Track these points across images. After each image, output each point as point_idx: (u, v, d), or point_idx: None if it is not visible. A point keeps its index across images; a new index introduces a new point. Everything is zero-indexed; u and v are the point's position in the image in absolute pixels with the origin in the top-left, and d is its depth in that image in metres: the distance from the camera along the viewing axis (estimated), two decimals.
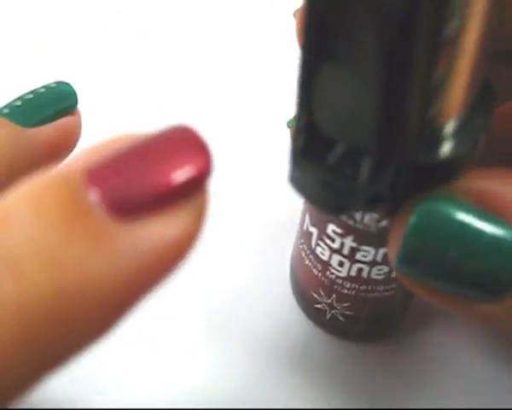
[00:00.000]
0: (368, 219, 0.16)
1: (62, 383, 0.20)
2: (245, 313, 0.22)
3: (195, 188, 0.10)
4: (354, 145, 0.12)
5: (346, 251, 0.18)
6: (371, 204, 0.12)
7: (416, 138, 0.11)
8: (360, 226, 0.17)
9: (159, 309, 0.22)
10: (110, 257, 0.10)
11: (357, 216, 0.17)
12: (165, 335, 0.21)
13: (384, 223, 0.16)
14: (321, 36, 0.11)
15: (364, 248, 0.17)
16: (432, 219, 0.12)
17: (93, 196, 0.10)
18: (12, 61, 0.28)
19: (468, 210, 0.12)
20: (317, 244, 0.18)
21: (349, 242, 0.17)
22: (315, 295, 0.20)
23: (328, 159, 0.12)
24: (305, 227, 0.19)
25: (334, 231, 0.17)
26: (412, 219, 0.12)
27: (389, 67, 0.10)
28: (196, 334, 0.21)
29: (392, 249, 0.13)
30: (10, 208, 0.10)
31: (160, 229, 0.10)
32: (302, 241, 0.19)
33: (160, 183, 0.10)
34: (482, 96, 0.12)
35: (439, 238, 0.12)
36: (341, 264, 0.18)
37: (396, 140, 0.11)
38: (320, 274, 0.19)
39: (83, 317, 0.10)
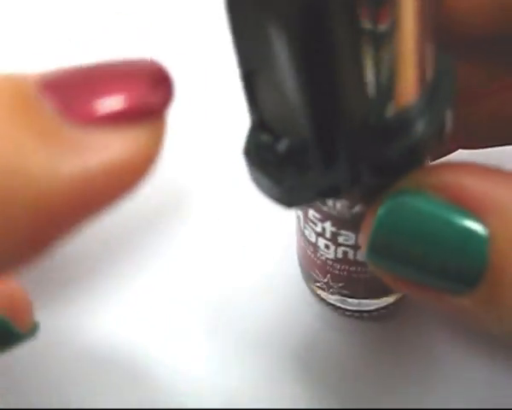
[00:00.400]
0: (339, 205, 0.16)
1: (62, 382, 0.21)
2: (257, 293, 0.22)
3: (151, 113, 0.11)
4: (299, 141, 0.12)
5: (328, 235, 0.18)
6: (323, 196, 0.12)
7: (363, 128, 0.11)
8: (334, 213, 0.17)
9: (168, 299, 0.22)
10: (54, 154, 0.10)
11: (329, 203, 0.16)
12: (176, 320, 0.21)
13: (357, 209, 0.16)
14: (245, 44, 0.11)
15: (344, 232, 0.17)
16: (400, 212, 0.12)
17: (46, 99, 0.10)
18: (12, 61, 0.28)
19: (436, 203, 0.12)
20: (305, 227, 0.18)
21: (329, 226, 0.17)
22: (314, 275, 0.20)
23: (276, 156, 0.12)
24: (295, 210, 0.19)
25: (314, 216, 0.18)
26: (380, 211, 0.12)
27: (304, 61, 0.11)
28: (206, 321, 0.21)
29: (363, 240, 0.13)
30: None
31: (109, 139, 0.10)
32: (296, 223, 0.19)
33: (114, 99, 0.10)
34: (442, 77, 0.13)
35: (407, 231, 0.12)
36: (327, 247, 0.18)
37: (334, 133, 0.11)
38: (313, 255, 0.19)
39: (12, 217, 0.09)
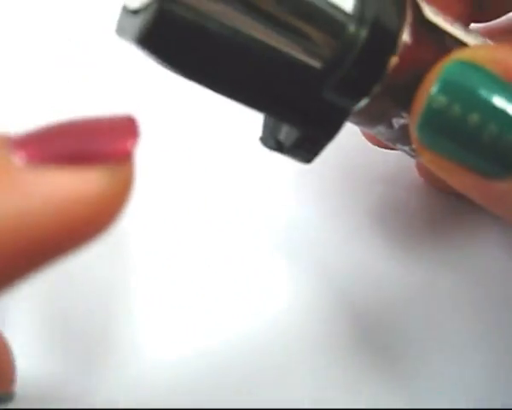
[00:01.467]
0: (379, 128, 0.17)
1: (61, 379, 0.21)
2: None
3: (115, 157, 0.11)
4: None
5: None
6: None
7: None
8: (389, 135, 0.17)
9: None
10: (13, 196, 0.10)
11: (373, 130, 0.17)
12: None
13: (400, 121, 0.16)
14: None
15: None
16: (461, 77, 0.13)
17: (9, 151, 0.10)
18: (11, 66, 0.28)
19: (495, 79, 0.12)
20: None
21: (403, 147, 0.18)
22: None
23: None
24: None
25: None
26: (443, 72, 0.13)
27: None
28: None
29: (414, 116, 0.13)
30: None
31: (69, 180, 0.10)
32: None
33: (76, 143, 0.11)
34: None
35: (461, 101, 0.13)
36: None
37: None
38: None
39: None
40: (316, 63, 0.13)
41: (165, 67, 0.13)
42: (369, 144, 0.22)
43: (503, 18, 0.20)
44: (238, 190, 0.24)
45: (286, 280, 0.22)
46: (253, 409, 0.20)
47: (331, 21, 0.13)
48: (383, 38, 0.13)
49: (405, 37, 0.14)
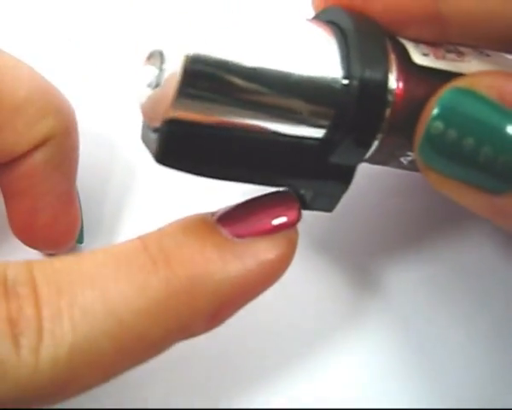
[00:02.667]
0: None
1: None
2: None
3: (287, 227, 0.16)
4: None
5: None
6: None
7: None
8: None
9: None
10: (226, 259, 0.15)
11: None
12: None
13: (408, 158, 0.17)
14: None
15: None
16: (457, 104, 0.14)
17: (219, 226, 0.15)
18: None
19: (490, 102, 0.13)
20: None
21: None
22: None
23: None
24: None
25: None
26: (436, 105, 0.14)
27: None
28: None
29: (417, 138, 0.14)
30: None
31: (262, 246, 0.15)
32: None
33: (263, 224, 0.16)
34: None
35: (461, 123, 0.13)
36: None
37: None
38: None
39: (197, 311, 0.14)
40: (318, 133, 0.14)
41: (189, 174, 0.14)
42: None
43: None
44: (240, 193, 0.24)
45: (286, 276, 0.22)
46: (255, 409, 0.20)
47: (324, 95, 0.14)
48: (374, 96, 0.14)
49: (393, 84, 0.14)
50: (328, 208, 0.16)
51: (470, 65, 0.16)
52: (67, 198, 0.20)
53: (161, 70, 0.14)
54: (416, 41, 0.15)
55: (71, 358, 0.12)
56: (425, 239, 0.24)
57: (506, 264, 0.23)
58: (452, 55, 0.16)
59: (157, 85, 0.14)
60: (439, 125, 0.14)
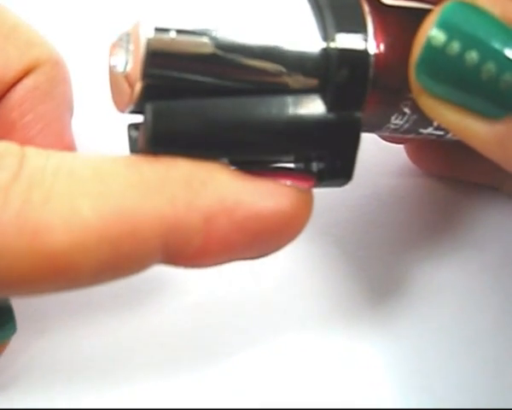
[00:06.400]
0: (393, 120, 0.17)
1: (60, 378, 0.21)
2: None
3: (301, 184, 0.14)
4: None
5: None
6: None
7: None
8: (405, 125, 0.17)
9: None
10: (240, 185, 0.13)
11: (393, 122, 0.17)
12: None
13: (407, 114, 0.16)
14: None
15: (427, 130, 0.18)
16: (460, 16, 0.13)
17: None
18: None
19: (493, 19, 0.13)
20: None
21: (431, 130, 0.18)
22: None
23: None
24: None
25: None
26: (442, 11, 0.13)
27: None
28: None
29: (413, 56, 0.13)
30: None
31: (278, 190, 0.14)
32: None
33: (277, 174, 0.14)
34: None
35: (465, 34, 0.13)
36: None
37: None
38: None
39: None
40: (312, 82, 0.14)
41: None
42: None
43: None
44: None
45: (286, 274, 0.22)
46: None
47: (304, 62, 0.14)
48: (354, 51, 0.14)
49: (372, 30, 0.14)
50: (342, 182, 0.16)
51: None
52: (60, 126, 0.20)
53: (127, 51, 0.14)
54: None
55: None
56: (427, 237, 0.24)
57: (507, 263, 0.23)
58: None
59: (126, 66, 0.14)
60: (441, 36, 0.13)
